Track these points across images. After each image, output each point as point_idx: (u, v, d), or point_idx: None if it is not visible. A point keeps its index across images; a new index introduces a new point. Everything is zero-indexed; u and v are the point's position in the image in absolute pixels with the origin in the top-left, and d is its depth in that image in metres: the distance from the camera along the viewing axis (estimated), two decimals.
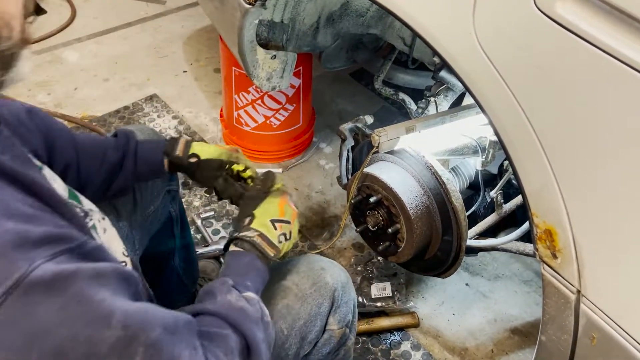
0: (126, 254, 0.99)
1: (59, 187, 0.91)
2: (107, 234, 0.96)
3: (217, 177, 1.18)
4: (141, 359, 0.64)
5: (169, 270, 1.49)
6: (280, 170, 2.27)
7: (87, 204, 0.98)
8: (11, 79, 0.73)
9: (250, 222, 1.04)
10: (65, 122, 2.45)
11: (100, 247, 0.72)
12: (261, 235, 1.01)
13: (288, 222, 1.07)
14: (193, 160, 1.17)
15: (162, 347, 0.67)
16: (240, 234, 1.02)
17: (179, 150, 1.18)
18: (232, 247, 1.01)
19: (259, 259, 0.99)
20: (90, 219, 0.93)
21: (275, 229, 1.04)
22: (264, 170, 1.20)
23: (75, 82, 2.68)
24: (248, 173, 1.20)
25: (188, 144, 1.19)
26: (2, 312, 0.59)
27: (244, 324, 0.84)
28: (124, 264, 0.98)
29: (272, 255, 1.02)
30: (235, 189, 1.18)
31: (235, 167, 1.19)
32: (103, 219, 0.98)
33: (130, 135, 1.18)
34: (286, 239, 1.06)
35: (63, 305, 0.62)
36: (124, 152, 1.15)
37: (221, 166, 1.18)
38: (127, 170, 1.16)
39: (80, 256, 0.67)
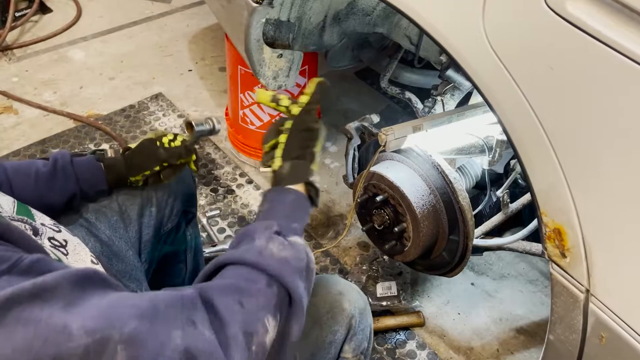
0: (95, 261, 0.94)
1: (4, 203, 0.87)
2: (69, 245, 0.92)
3: (157, 151, 1.20)
4: (124, 357, 0.60)
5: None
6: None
7: (40, 217, 0.94)
8: None
9: (273, 157, 0.96)
10: (72, 121, 2.46)
11: (42, 259, 0.66)
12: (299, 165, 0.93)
13: (314, 129, 0.97)
14: (126, 152, 1.21)
15: (144, 338, 0.62)
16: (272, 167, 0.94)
17: (110, 153, 1.23)
18: (272, 186, 0.93)
19: (304, 196, 0.91)
20: (43, 233, 0.88)
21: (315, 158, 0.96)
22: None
23: (81, 80, 2.69)
24: (177, 141, 1.22)
25: (118, 150, 1.24)
26: None
27: (286, 275, 0.76)
28: None
29: (318, 186, 0.94)
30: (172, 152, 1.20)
31: (165, 139, 1.22)
32: (59, 231, 0.94)
33: (60, 153, 1.19)
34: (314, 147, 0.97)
35: (9, 334, 0.57)
36: (55, 165, 1.15)
37: (152, 142, 1.21)
38: (62, 180, 1.15)
39: (19, 274, 0.62)
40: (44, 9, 3.12)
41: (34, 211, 0.95)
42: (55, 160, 1.16)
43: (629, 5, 0.77)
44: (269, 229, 0.81)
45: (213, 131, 1.32)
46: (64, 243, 0.90)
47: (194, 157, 1.25)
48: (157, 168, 1.21)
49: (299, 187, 0.92)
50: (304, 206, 0.90)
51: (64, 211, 1.17)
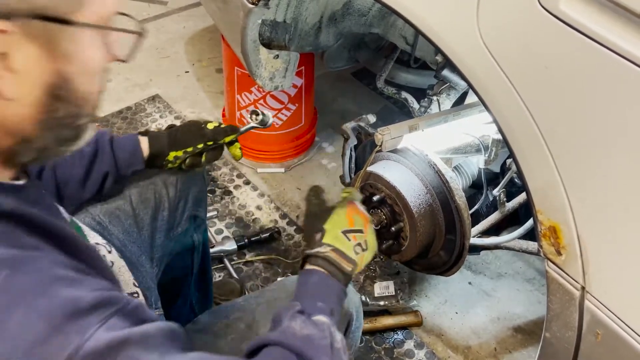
0: (136, 284, 0.97)
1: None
2: (115, 266, 0.93)
3: (202, 129, 1.20)
4: None
5: (182, 298, 1.45)
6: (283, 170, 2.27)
7: (93, 236, 0.95)
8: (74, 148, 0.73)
9: (322, 237, 0.95)
10: None
11: (141, 305, 0.70)
12: (335, 249, 0.93)
13: (361, 231, 0.99)
14: (171, 128, 1.21)
15: None
16: (313, 251, 0.93)
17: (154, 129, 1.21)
18: (306, 266, 0.93)
19: (330, 276, 0.91)
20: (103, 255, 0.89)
21: (349, 240, 0.96)
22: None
23: None
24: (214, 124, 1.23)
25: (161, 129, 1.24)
26: None
27: (308, 351, 0.77)
28: (135, 294, 0.96)
29: (349, 269, 0.93)
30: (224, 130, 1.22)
31: (210, 125, 1.22)
32: (110, 251, 0.95)
33: (100, 132, 1.19)
34: (363, 250, 0.97)
35: None
36: (97, 144, 1.16)
37: (197, 122, 1.21)
38: (104, 159, 1.15)
39: (126, 317, 0.64)
40: None
41: (83, 227, 0.95)
42: (96, 140, 1.16)
43: (622, 4, 0.78)
44: (292, 309, 0.83)
45: (267, 124, 1.32)
46: (111, 265, 0.92)
47: (238, 145, 1.28)
48: (200, 146, 1.20)
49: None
50: (329, 285, 0.91)
51: (85, 202, 1.17)
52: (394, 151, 1.49)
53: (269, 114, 1.31)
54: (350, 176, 1.67)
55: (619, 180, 0.85)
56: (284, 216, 2.10)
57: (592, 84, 0.84)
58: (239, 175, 2.26)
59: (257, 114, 1.29)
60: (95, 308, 0.61)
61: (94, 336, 0.59)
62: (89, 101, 0.69)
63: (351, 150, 1.63)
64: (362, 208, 1.05)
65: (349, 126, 1.57)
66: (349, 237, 0.97)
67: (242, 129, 1.27)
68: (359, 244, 0.97)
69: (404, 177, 1.44)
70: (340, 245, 0.94)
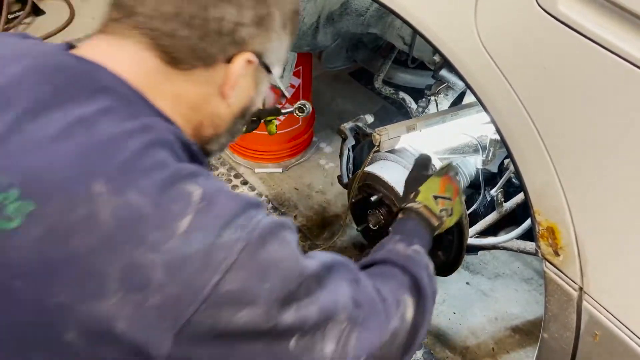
0: None
1: None
2: None
3: None
4: (305, 292, 0.70)
5: None
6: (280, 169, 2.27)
7: None
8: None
9: (416, 196, 1.16)
10: None
11: None
12: (426, 207, 1.13)
13: (449, 199, 1.17)
14: None
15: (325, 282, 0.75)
16: (408, 205, 1.15)
17: None
18: (399, 216, 1.14)
19: (422, 225, 1.10)
20: None
21: (437, 204, 1.15)
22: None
23: None
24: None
25: None
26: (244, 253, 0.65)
27: (411, 267, 0.91)
28: None
29: (436, 224, 1.12)
30: None
31: None
32: None
33: None
34: (448, 215, 1.17)
35: (334, 288, 0.74)
36: None
37: None
38: None
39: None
40: (36, 11, 3.11)
41: None
42: None
43: (620, 4, 0.78)
44: (393, 238, 1.03)
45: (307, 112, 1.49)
46: None
47: (275, 122, 1.40)
48: None
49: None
50: (420, 229, 1.10)
51: None
52: (392, 151, 1.48)
53: (309, 106, 1.49)
54: (348, 176, 1.66)
55: (617, 181, 0.85)
56: (281, 216, 2.10)
57: (590, 85, 0.84)
58: (237, 175, 2.25)
59: (302, 111, 1.46)
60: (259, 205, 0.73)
61: (262, 220, 0.68)
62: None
63: (349, 150, 1.63)
64: (455, 180, 1.24)
65: (346, 126, 1.57)
66: (438, 201, 1.16)
67: (284, 111, 1.42)
68: (445, 209, 1.16)
69: (401, 178, 1.43)
70: (429, 204, 1.14)
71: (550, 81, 0.88)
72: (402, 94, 1.90)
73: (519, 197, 1.48)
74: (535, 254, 1.06)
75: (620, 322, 0.90)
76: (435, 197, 1.16)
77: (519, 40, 0.91)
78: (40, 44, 0.79)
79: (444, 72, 1.65)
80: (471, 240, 1.51)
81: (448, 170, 1.24)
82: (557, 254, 0.97)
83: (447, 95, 1.74)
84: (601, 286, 0.92)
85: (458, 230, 1.39)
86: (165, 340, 0.61)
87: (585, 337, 0.98)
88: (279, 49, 0.83)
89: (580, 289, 0.95)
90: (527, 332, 1.77)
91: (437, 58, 1.63)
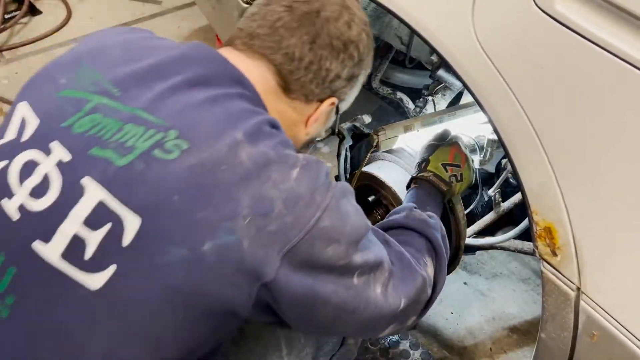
0: None
1: None
2: None
3: None
4: (367, 242, 0.89)
5: None
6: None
7: None
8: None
9: (426, 165, 1.26)
10: None
11: None
12: (435, 175, 1.24)
13: (458, 166, 1.27)
14: None
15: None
16: (419, 174, 1.26)
17: None
18: (412, 185, 1.25)
19: (433, 192, 1.22)
20: None
21: (447, 171, 1.25)
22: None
23: None
24: None
25: None
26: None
27: (426, 229, 1.05)
28: None
29: (445, 189, 1.23)
30: None
31: None
32: None
33: None
34: (457, 180, 1.26)
35: (351, 201, 0.90)
36: None
37: None
38: None
39: None
40: (33, 11, 3.09)
41: None
42: None
43: (617, 4, 0.78)
44: (408, 206, 1.14)
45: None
46: None
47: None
48: None
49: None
50: (431, 195, 1.22)
51: None
52: (389, 151, 1.48)
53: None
54: (346, 176, 1.66)
55: (615, 181, 0.85)
56: None
57: (587, 84, 0.84)
58: None
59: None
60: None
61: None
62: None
63: (346, 150, 1.62)
64: (464, 148, 1.32)
65: (344, 126, 1.57)
66: (447, 169, 1.26)
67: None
68: (454, 175, 1.26)
69: (399, 178, 1.44)
70: (439, 172, 1.24)
71: (547, 81, 0.88)
72: (399, 94, 1.90)
73: (517, 197, 1.48)
74: (532, 253, 1.06)
75: (618, 322, 0.90)
76: (445, 165, 1.26)
77: (517, 40, 0.91)
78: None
79: (441, 72, 1.65)
80: (469, 240, 1.51)
81: (457, 139, 1.34)
82: (554, 254, 0.97)
83: (444, 95, 1.74)
84: (599, 286, 0.92)
85: (455, 231, 1.39)
86: (275, 261, 0.76)
87: (583, 337, 0.98)
88: (351, 98, 1.08)
89: (578, 288, 0.95)
90: (524, 332, 1.77)
91: (434, 58, 1.63)
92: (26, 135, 0.82)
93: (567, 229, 0.93)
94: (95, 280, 0.74)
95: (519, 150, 0.97)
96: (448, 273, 1.52)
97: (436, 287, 1.03)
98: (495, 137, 1.38)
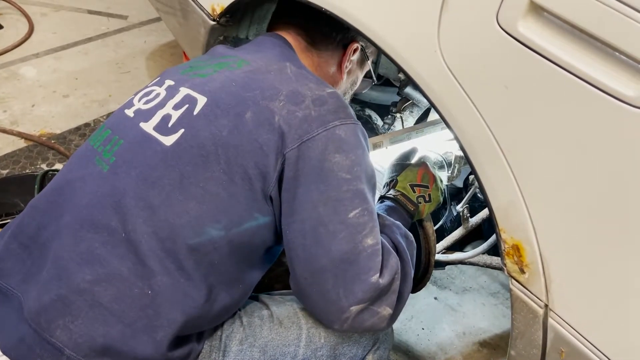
0: None
1: None
2: None
3: None
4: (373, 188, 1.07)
5: None
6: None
7: None
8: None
9: (394, 185, 1.30)
10: (23, 140, 2.37)
11: None
12: (403, 194, 1.27)
13: (426, 187, 1.30)
14: None
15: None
16: (386, 194, 1.29)
17: None
18: (378, 204, 1.27)
19: (399, 210, 1.25)
20: None
21: (414, 192, 1.29)
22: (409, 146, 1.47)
23: (32, 98, 2.60)
24: None
25: None
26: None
27: (390, 234, 1.10)
28: None
29: (412, 209, 1.26)
30: None
31: None
32: None
33: None
34: (425, 201, 1.29)
35: (364, 133, 1.13)
36: None
37: None
38: None
39: None
40: None
41: None
42: None
43: (579, 26, 0.79)
44: (384, 221, 1.17)
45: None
46: None
47: None
48: None
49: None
50: (400, 211, 1.26)
51: None
52: None
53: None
54: None
55: (581, 200, 0.86)
56: None
57: (550, 104, 0.85)
58: None
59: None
60: None
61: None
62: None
63: None
64: (432, 169, 1.34)
65: None
66: (415, 189, 1.29)
67: None
68: (422, 196, 1.29)
69: None
70: (406, 192, 1.28)
71: (511, 101, 0.89)
72: (368, 111, 1.90)
73: (484, 212, 1.49)
74: (501, 269, 1.06)
75: (585, 339, 0.91)
76: (412, 186, 1.29)
77: (481, 60, 0.92)
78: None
79: (409, 90, 1.67)
80: (438, 256, 1.51)
81: (425, 159, 1.39)
82: (522, 271, 0.98)
83: (412, 112, 1.76)
84: (566, 303, 0.93)
85: (425, 247, 1.39)
86: (295, 141, 0.98)
87: (551, 354, 0.99)
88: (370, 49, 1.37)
89: (546, 306, 0.96)
90: (494, 347, 1.78)
91: (402, 76, 1.65)
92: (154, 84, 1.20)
93: (534, 247, 0.94)
94: (168, 140, 1.02)
95: (485, 169, 0.97)
96: (419, 289, 1.53)
97: (402, 295, 1.05)
98: (462, 153, 1.40)
